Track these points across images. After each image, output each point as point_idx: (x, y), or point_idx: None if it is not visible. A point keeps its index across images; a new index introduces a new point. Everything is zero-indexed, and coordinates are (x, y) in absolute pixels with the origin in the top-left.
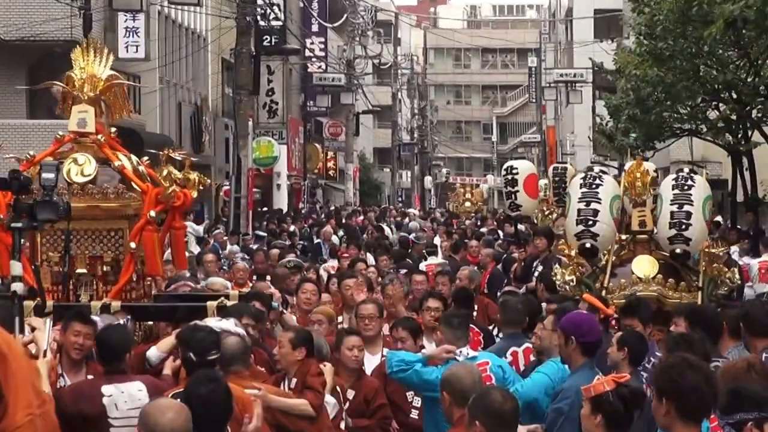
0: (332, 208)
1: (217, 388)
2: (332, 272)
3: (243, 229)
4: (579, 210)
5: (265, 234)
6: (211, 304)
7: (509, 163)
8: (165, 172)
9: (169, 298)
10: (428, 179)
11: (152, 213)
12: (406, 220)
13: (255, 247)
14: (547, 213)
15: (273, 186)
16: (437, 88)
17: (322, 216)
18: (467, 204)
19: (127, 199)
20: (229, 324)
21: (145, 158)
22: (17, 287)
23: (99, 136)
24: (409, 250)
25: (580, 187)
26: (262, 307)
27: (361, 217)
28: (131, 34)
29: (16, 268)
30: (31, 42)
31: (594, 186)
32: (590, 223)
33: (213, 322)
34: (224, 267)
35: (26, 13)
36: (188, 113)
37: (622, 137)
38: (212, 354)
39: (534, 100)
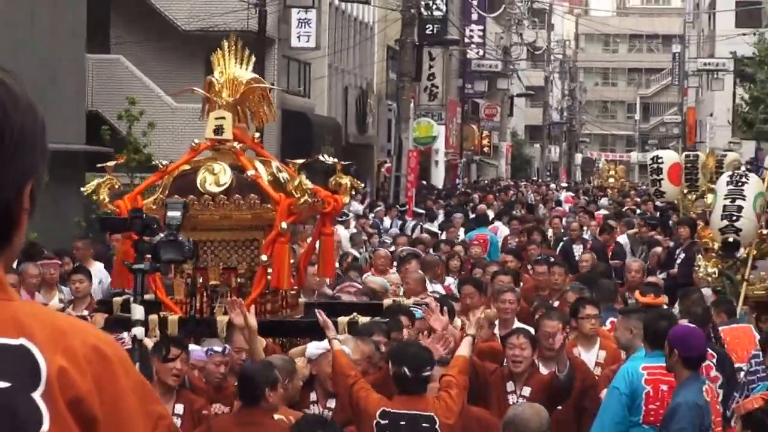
0: (485, 182)
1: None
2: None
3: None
4: (724, 206)
5: (423, 211)
6: (342, 320)
7: (655, 153)
8: (297, 182)
9: (314, 307)
10: (578, 156)
11: (284, 225)
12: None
13: (413, 223)
14: (686, 193)
15: (431, 163)
16: (586, 71)
17: (472, 193)
18: (611, 180)
19: (260, 210)
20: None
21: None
22: (138, 332)
23: (236, 144)
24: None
25: (727, 185)
26: (408, 320)
27: (512, 192)
28: (303, 25)
29: (138, 312)
30: (210, 32)
31: (740, 184)
32: (734, 218)
33: (313, 345)
34: (386, 241)
35: (207, 5)
36: (354, 97)
37: (761, 124)
38: (427, 370)
39: (676, 84)
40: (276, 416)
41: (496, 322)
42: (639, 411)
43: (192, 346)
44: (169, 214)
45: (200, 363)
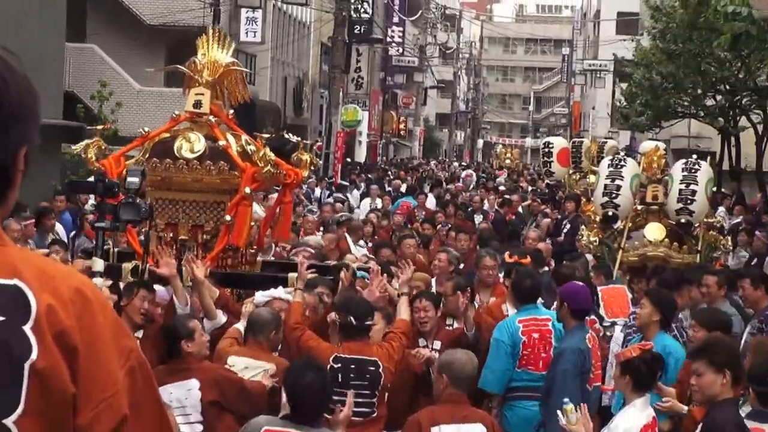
0: (400, 160)
1: (320, 376)
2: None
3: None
4: (605, 185)
5: (348, 183)
6: (292, 276)
7: (546, 139)
8: (261, 153)
9: (271, 266)
10: (480, 140)
11: (247, 190)
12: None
13: (338, 195)
14: (571, 173)
15: (356, 143)
16: (489, 68)
17: (389, 169)
18: (507, 161)
19: (228, 176)
20: (279, 291)
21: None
22: (98, 282)
23: (212, 117)
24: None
25: (608, 167)
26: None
27: (422, 169)
28: (251, 23)
29: (98, 264)
30: (171, 27)
31: (619, 166)
32: (614, 195)
33: (260, 293)
34: (313, 210)
35: (169, 3)
36: (292, 85)
37: (636, 117)
38: (369, 320)
39: (565, 81)
40: (266, 363)
41: (433, 281)
42: (517, 357)
43: (157, 287)
44: (129, 179)
45: (162, 302)
